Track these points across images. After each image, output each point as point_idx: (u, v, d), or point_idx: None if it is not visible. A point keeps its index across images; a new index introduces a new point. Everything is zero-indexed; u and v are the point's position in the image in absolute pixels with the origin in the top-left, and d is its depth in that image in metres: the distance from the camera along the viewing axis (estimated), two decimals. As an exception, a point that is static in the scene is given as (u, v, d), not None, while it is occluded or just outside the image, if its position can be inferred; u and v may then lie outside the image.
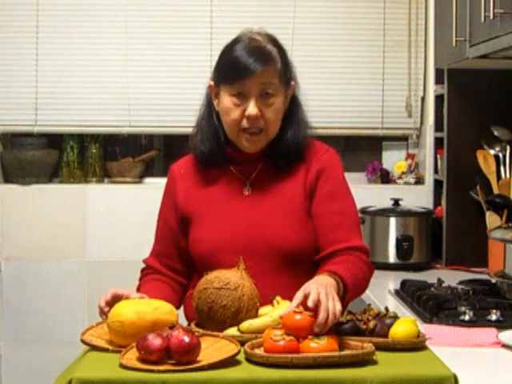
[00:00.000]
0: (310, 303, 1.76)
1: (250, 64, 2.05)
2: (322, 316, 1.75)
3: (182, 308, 2.21)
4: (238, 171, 2.18)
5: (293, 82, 2.18)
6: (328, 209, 2.13)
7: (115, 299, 1.95)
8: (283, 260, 2.10)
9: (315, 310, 1.76)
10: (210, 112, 2.19)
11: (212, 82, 2.17)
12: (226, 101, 2.10)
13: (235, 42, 2.13)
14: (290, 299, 1.95)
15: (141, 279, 2.26)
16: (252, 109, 2.07)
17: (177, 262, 2.21)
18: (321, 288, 1.80)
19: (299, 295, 1.80)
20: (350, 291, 1.97)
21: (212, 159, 2.18)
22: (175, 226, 2.20)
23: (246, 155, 2.16)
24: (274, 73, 2.09)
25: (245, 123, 2.09)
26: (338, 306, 1.79)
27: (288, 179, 2.17)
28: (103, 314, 1.98)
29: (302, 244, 2.11)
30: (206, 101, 2.22)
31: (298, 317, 1.76)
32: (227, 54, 2.12)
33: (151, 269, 2.24)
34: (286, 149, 2.15)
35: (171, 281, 2.21)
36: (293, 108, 2.18)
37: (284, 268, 2.10)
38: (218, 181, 2.19)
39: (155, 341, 1.70)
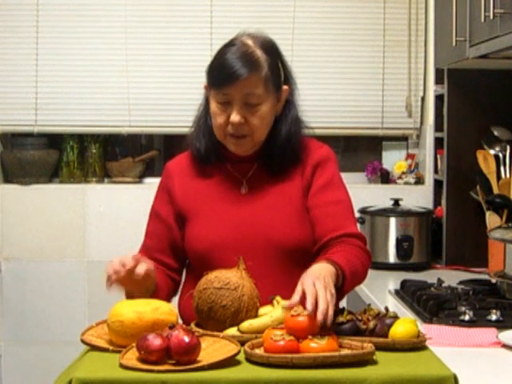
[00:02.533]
0: (309, 306, 1.75)
1: (235, 71, 2.04)
2: (309, 308, 1.74)
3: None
4: (235, 170, 2.19)
5: (285, 87, 2.16)
6: (322, 199, 2.14)
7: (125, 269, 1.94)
8: (284, 257, 2.10)
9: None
10: (205, 111, 2.20)
11: (206, 83, 2.17)
12: (213, 105, 2.11)
13: (227, 45, 2.12)
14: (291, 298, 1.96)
15: None
16: (234, 116, 2.07)
17: (170, 257, 2.19)
18: (317, 281, 1.81)
19: (299, 288, 1.81)
20: (348, 278, 1.96)
21: (207, 157, 2.18)
22: (171, 222, 2.19)
23: (242, 155, 2.17)
24: (257, 81, 2.07)
25: (229, 128, 2.10)
26: (329, 295, 1.79)
27: (284, 178, 2.18)
28: (111, 282, 1.97)
29: (303, 240, 2.12)
30: (203, 100, 2.22)
31: (300, 318, 1.76)
32: (217, 57, 2.12)
33: None
34: (281, 150, 2.16)
35: (164, 273, 2.17)
36: (287, 110, 2.18)
37: (285, 265, 2.10)
38: (215, 179, 2.19)
39: (155, 341, 1.70)
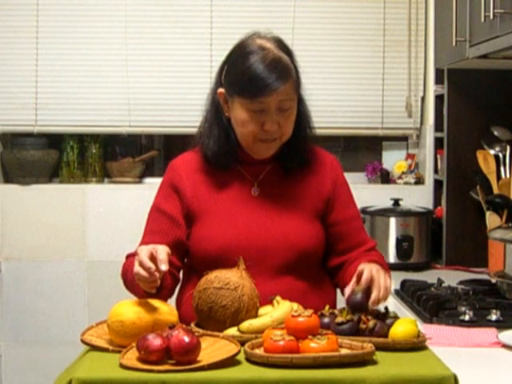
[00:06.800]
0: (363, 282, 1.93)
1: (271, 83, 2.02)
2: (375, 293, 1.92)
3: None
4: (245, 171, 2.19)
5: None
6: (347, 215, 2.23)
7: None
8: (296, 259, 2.11)
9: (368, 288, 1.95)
10: (218, 115, 2.16)
11: (223, 90, 2.13)
12: (242, 114, 2.08)
13: (247, 52, 2.07)
14: (301, 299, 2.00)
15: (130, 262, 2.09)
16: (271, 125, 2.06)
17: (173, 255, 2.08)
18: (372, 266, 1.99)
19: (353, 279, 1.98)
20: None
21: (224, 161, 2.16)
22: (179, 218, 2.15)
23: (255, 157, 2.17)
24: (291, 88, 2.07)
25: (262, 135, 2.09)
26: (389, 280, 1.99)
27: (296, 182, 2.19)
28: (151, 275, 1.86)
29: (314, 243, 2.15)
30: (212, 103, 2.18)
31: (301, 318, 1.76)
32: (242, 66, 2.06)
33: None
34: (296, 148, 2.17)
35: (168, 271, 2.05)
36: (299, 108, 2.17)
37: (296, 267, 2.12)
38: (225, 180, 2.18)
39: (155, 341, 1.70)
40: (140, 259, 1.87)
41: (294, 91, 2.09)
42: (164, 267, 1.86)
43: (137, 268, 1.88)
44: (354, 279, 1.99)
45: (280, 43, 2.12)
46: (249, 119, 2.08)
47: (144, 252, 1.89)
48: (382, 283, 1.95)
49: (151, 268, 1.85)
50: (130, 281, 2.06)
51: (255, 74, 2.03)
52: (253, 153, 2.15)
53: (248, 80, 2.05)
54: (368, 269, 1.98)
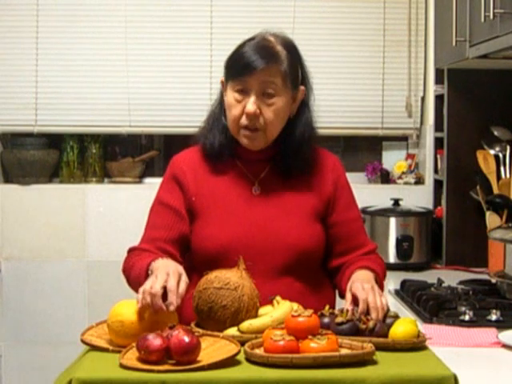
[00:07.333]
0: (360, 310, 1.92)
1: (253, 61, 2.06)
2: (374, 316, 1.91)
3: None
4: (247, 169, 2.19)
5: (302, 87, 2.17)
6: (348, 216, 2.22)
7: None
8: (295, 260, 2.11)
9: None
10: (221, 107, 2.20)
11: (223, 78, 2.18)
12: (230, 96, 2.12)
13: (248, 40, 2.14)
14: (300, 300, 2.00)
15: (134, 256, 2.11)
16: (250, 106, 2.07)
17: (176, 249, 2.13)
18: (365, 284, 1.98)
19: (348, 296, 2.00)
20: (381, 282, 2.15)
21: (220, 153, 2.17)
22: (183, 212, 2.15)
23: (255, 154, 2.17)
24: (276, 73, 2.08)
25: (244, 120, 2.10)
26: (384, 300, 1.96)
27: (298, 182, 2.18)
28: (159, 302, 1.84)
29: (314, 244, 2.15)
30: (219, 96, 2.22)
31: (301, 318, 1.76)
32: (236, 50, 2.13)
33: (144, 250, 2.11)
34: (294, 152, 2.16)
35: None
36: (301, 112, 2.18)
37: (295, 267, 2.12)
38: (227, 177, 2.18)
39: (155, 341, 1.70)
40: (154, 292, 1.83)
41: (280, 80, 2.09)
42: (172, 308, 1.83)
43: (145, 296, 1.83)
44: (350, 299, 1.99)
45: (286, 42, 2.14)
46: (234, 102, 2.10)
47: (159, 280, 1.86)
48: (379, 304, 1.93)
49: (162, 308, 1.83)
50: (133, 278, 2.07)
51: (242, 54, 2.09)
52: (241, 142, 2.15)
53: (234, 60, 2.11)
54: (363, 295, 1.96)
